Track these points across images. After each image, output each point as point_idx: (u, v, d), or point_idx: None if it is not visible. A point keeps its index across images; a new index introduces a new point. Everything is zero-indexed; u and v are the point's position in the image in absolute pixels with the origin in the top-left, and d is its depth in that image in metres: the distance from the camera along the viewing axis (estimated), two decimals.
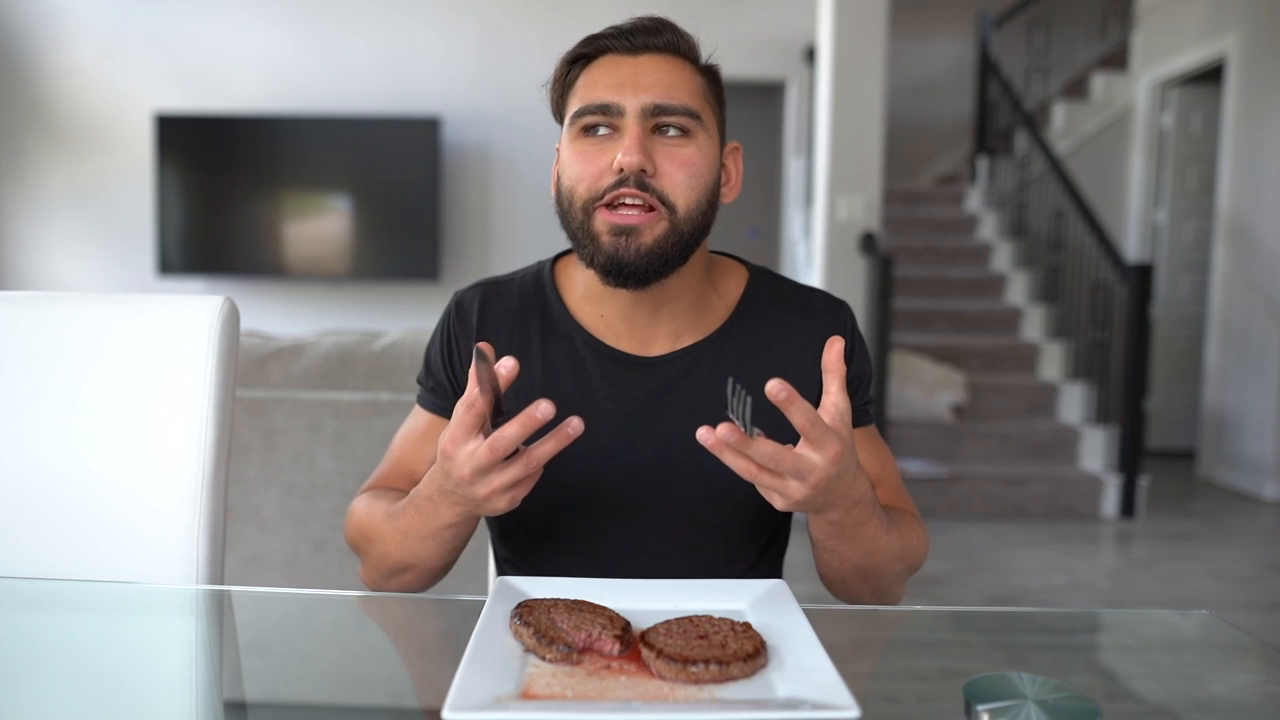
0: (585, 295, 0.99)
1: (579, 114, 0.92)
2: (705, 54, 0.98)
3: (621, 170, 0.88)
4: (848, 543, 0.86)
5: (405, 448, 1.06)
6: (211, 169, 5.40)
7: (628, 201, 0.89)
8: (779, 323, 1.02)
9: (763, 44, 5.52)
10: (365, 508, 1.00)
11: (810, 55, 5.12)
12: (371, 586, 0.99)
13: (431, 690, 0.60)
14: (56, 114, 5.54)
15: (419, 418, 1.06)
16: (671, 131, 0.91)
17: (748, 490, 0.90)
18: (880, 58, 4.25)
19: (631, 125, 0.89)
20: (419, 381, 1.08)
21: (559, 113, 0.97)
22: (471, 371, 0.76)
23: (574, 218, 0.92)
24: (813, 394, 0.97)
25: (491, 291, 1.04)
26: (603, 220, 0.89)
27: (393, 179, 5.36)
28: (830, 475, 0.74)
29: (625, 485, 0.97)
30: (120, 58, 5.50)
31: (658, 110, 0.89)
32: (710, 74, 0.97)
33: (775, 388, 0.69)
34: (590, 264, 0.92)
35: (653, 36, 0.93)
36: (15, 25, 5.48)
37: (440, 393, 1.03)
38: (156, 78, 5.50)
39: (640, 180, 0.88)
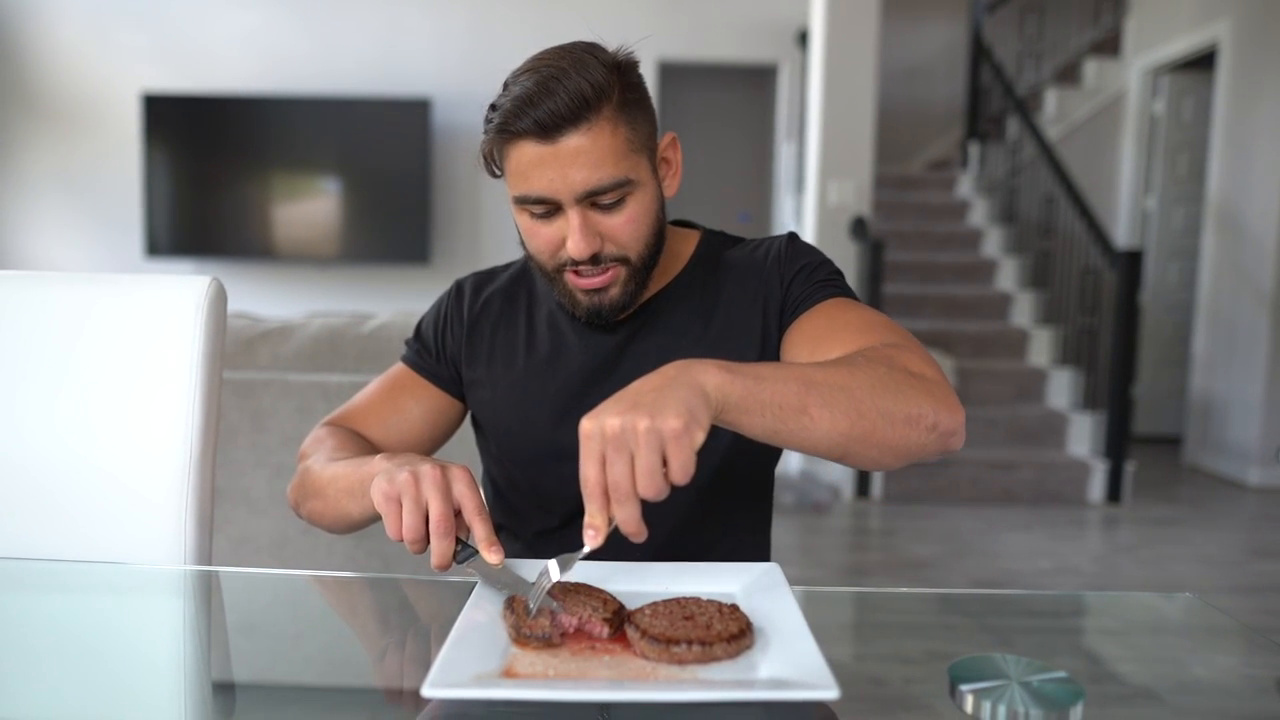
0: None
1: (519, 200, 0.95)
2: (617, 41, 0.95)
3: (572, 258, 0.95)
4: (773, 415, 0.75)
5: (374, 392, 1.14)
6: (200, 150, 5.35)
7: (586, 272, 0.97)
8: (725, 267, 1.08)
9: (755, 27, 5.49)
10: (318, 439, 1.07)
11: (802, 39, 5.10)
12: (291, 504, 1.06)
13: (421, 671, 0.60)
14: (42, 94, 5.47)
15: (396, 369, 1.15)
16: (609, 203, 0.94)
17: (715, 435, 0.91)
18: (872, 42, 4.24)
19: (571, 216, 0.93)
20: (406, 343, 1.17)
21: (491, 169, 0.98)
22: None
23: (546, 275, 1.01)
24: (755, 330, 1.03)
25: (487, 278, 1.16)
26: (572, 283, 0.98)
27: (382, 161, 5.32)
28: (604, 411, 0.69)
29: None
30: (107, 37, 5.44)
31: (591, 194, 0.92)
32: (623, 82, 0.93)
33: (591, 541, 0.71)
34: (572, 313, 1.02)
35: (558, 105, 0.89)
36: None
37: (424, 354, 1.14)
38: (143, 57, 5.44)
39: (593, 258, 0.95)
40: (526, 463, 1.07)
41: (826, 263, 1.04)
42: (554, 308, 1.09)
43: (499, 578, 0.77)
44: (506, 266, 1.17)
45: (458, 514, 0.79)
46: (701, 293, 1.06)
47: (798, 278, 1.03)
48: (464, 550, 0.78)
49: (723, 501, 1.06)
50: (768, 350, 1.02)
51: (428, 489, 0.78)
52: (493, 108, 0.94)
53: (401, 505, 0.78)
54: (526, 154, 0.92)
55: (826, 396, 0.76)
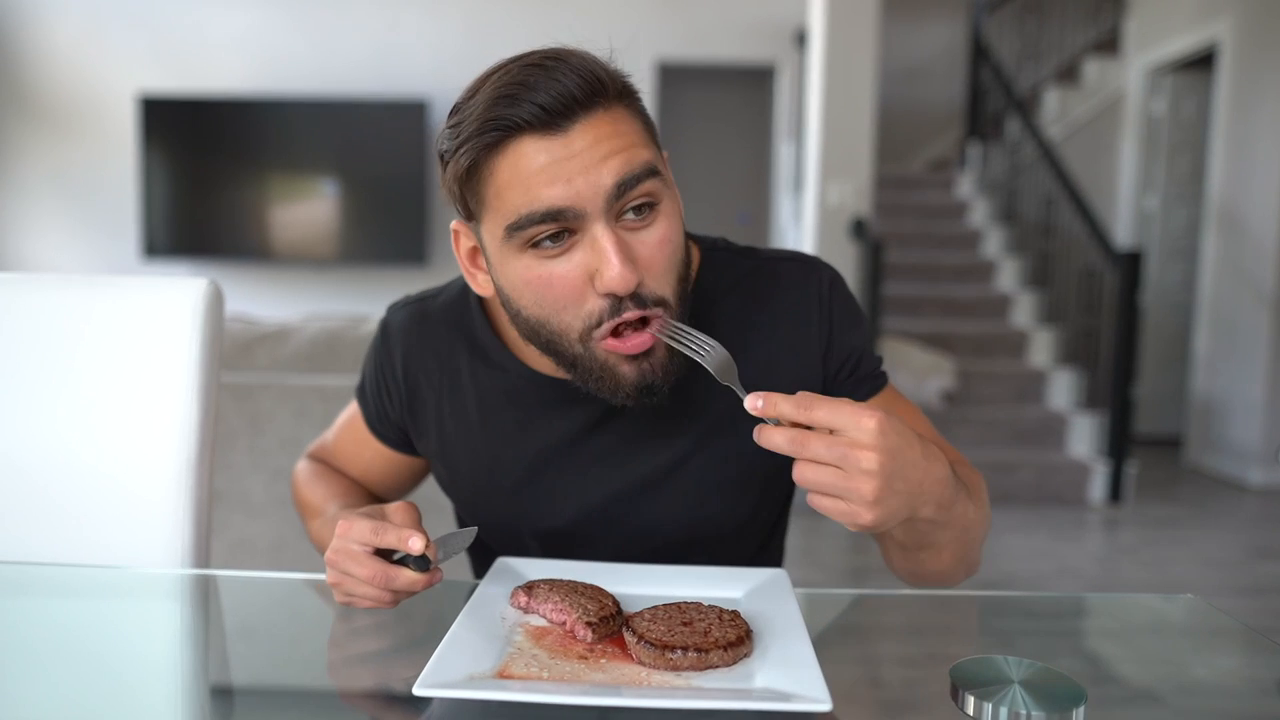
0: None
1: (518, 226, 0.72)
2: (615, 40, 0.78)
3: (611, 293, 0.72)
4: (945, 530, 0.76)
5: (342, 434, 1.06)
6: (196, 151, 5.35)
7: (630, 322, 0.74)
8: (739, 306, 0.88)
9: (754, 27, 5.49)
10: (305, 485, 1.04)
11: (801, 39, 5.10)
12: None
13: (419, 673, 0.60)
14: (38, 96, 5.47)
15: (355, 414, 1.04)
16: (635, 213, 0.73)
17: (723, 511, 0.88)
18: (872, 42, 4.24)
19: (603, 232, 0.71)
20: (355, 393, 1.03)
21: (464, 206, 0.77)
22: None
23: (565, 350, 0.77)
24: (787, 386, 0.86)
25: (420, 317, 0.95)
26: (610, 352, 0.75)
27: (379, 162, 5.33)
28: (891, 444, 0.63)
29: (595, 522, 0.90)
30: (102, 38, 5.44)
31: (621, 191, 0.71)
32: (623, 78, 0.76)
33: (750, 402, 0.65)
34: (609, 396, 0.78)
35: (566, 86, 0.70)
36: None
37: (369, 415, 1.01)
38: (140, 59, 5.44)
39: (637, 296, 0.73)
40: (505, 542, 0.93)
41: (869, 337, 0.94)
42: (509, 368, 0.88)
43: (455, 543, 0.76)
44: (437, 295, 0.96)
45: (388, 552, 0.74)
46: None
47: (847, 366, 0.90)
48: (414, 562, 0.74)
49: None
50: None
51: (346, 568, 0.73)
52: (454, 126, 0.74)
53: (353, 596, 0.76)
54: (527, 155, 0.70)
55: (959, 545, 0.83)
